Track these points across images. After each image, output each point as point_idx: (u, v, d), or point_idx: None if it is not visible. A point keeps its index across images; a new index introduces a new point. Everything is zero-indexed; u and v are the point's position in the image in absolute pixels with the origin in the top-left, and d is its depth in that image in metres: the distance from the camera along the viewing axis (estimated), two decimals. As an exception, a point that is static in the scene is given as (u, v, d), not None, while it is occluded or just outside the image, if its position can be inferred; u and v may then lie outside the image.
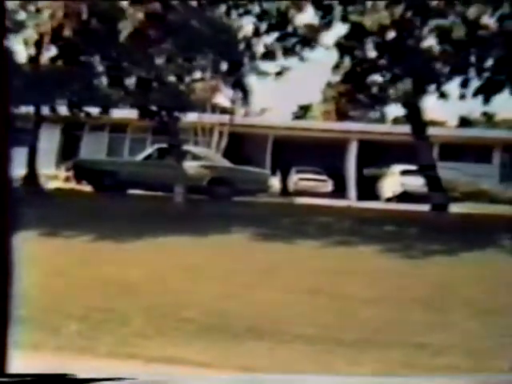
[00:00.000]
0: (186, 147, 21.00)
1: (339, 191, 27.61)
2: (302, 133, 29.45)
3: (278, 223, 15.30)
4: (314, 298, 9.99)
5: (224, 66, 19.08)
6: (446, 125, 38.50)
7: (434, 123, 27.79)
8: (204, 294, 10.10)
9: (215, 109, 30.35)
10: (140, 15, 16.24)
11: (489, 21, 16.61)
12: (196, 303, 9.70)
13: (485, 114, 43.07)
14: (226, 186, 20.12)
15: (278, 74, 18.42)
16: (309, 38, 17.26)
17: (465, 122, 43.09)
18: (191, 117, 23.32)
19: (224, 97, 28.03)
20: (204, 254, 12.09)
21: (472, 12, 15.85)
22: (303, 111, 45.43)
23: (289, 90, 35.16)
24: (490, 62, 17.80)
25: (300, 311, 9.34)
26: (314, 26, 17.27)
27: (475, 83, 18.27)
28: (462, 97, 17.93)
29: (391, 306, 9.68)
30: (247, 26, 17.85)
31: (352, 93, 19.42)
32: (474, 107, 39.58)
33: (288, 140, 28.94)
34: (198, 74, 20.41)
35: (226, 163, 22.45)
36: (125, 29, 16.48)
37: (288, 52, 17.62)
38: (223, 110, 30.17)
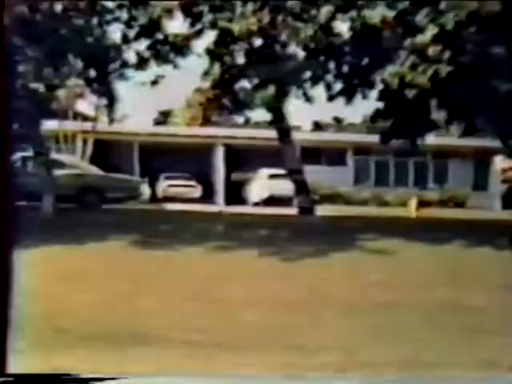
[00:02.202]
0: (52, 155, 20.45)
1: (208, 196, 27.81)
2: (168, 139, 29.43)
3: (153, 230, 15.26)
4: (195, 303, 10.08)
5: (91, 73, 18.77)
6: (301, 129, 39.65)
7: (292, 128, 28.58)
8: (82, 303, 9.92)
9: (77, 116, 29.74)
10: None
11: (342, 28, 17.37)
12: (73, 312, 9.52)
13: (335, 118, 44.97)
14: (95, 193, 19.77)
15: (154, 82, 18.35)
16: (181, 46, 17.32)
17: (318, 126, 44.70)
18: (51, 124, 22.84)
19: (88, 104, 27.52)
20: (80, 262, 11.86)
21: (323, 14, 16.47)
22: (164, 117, 45.34)
23: (149, 96, 34.94)
24: (346, 68, 18.60)
25: (182, 317, 9.41)
26: (186, 34, 17.38)
27: (332, 87, 19.08)
28: (329, 99, 18.61)
29: (269, 309, 9.92)
30: (116, 32, 17.71)
31: (220, 98, 19.69)
32: (324, 112, 41.12)
33: (155, 146, 28.82)
34: (63, 81, 19.94)
35: (95, 171, 22.06)
36: None
37: (161, 60, 17.61)
38: (86, 118, 29.60)
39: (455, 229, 16.76)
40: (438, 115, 16.62)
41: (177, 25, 17.57)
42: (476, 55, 15.53)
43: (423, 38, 15.36)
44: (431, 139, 21.85)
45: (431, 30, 15.22)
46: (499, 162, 29.50)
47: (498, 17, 14.92)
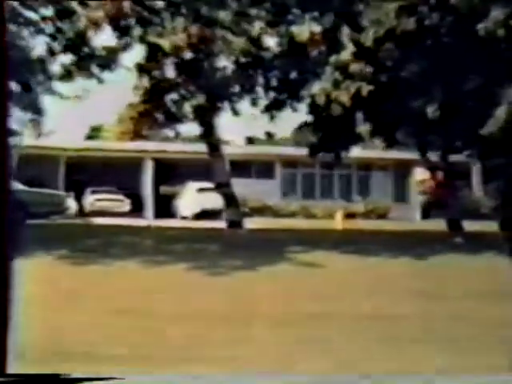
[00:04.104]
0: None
1: (137, 210, 27.66)
2: (96, 153, 29.20)
3: (81, 244, 15.08)
4: (123, 318, 9.99)
5: (13, 87, 18.40)
6: (233, 143, 39.97)
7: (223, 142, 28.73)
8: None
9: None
10: None
11: (270, 42, 17.63)
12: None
13: (267, 133, 45.46)
14: (18, 209, 19.38)
15: (78, 97, 18.17)
16: (107, 60, 17.19)
17: (250, 140, 45.07)
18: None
19: (12, 118, 27.00)
20: (4, 279, 11.58)
21: (255, 29, 16.67)
22: (95, 132, 44.95)
23: (79, 112, 34.67)
24: (274, 82, 18.85)
25: (109, 332, 9.30)
26: (113, 47, 17.26)
27: (262, 102, 19.31)
28: (254, 115, 18.83)
29: (198, 323, 9.94)
30: (41, 45, 17.43)
31: (151, 112, 19.65)
32: (256, 126, 41.52)
33: (82, 161, 28.53)
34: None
35: (18, 185, 21.64)
36: None
37: (86, 74, 17.42)
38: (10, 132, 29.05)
39: (378, 240, 17.22)
40: (363, 128, 17.03)
41: (104, 38, 17.48)
42: (395, 71, 16.01)
43: (345, 54, 15.74)
44: (355, 152, 22.36)
45: (351, 47, 15.62)
46: (418, 174, 30.38)
47: (415, 35, 15.45)
